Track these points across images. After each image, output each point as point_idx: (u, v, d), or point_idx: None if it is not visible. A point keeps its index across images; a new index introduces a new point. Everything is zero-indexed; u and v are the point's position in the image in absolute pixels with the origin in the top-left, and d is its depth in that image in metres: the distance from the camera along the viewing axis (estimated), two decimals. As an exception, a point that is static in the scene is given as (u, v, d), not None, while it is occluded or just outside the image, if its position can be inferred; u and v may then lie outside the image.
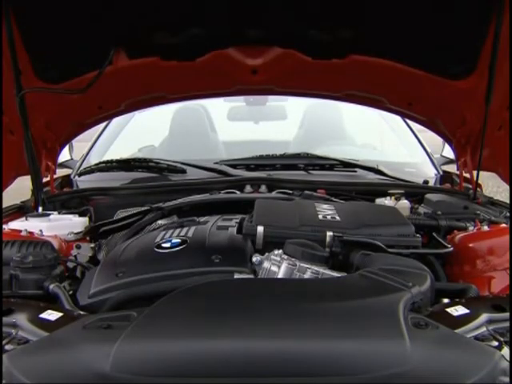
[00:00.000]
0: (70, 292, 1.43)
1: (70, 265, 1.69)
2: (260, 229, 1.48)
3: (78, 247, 1.76)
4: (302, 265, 1.30)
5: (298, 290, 1.13)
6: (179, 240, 1.49)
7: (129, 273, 1.37)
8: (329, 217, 1.61)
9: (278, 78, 2.20)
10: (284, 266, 1.30)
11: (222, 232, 1.56)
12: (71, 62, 2.05)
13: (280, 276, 1.30)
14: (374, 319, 1.02)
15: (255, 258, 1.35)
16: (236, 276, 1.26)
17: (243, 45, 2.06)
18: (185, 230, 1.59)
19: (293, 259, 1.33)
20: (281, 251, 1.37)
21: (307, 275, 1.29)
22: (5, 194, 2.06)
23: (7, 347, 1.01)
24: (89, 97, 2.07)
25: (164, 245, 1.48)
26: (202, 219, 1.75)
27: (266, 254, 1.37)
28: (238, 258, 1.39)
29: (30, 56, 1.97)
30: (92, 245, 1.80)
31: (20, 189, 2.37)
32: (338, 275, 1.31)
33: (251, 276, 1.29)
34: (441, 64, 2.06)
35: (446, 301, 1.35)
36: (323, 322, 1.00)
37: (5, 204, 2.02)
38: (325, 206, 1.74)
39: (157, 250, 1.47)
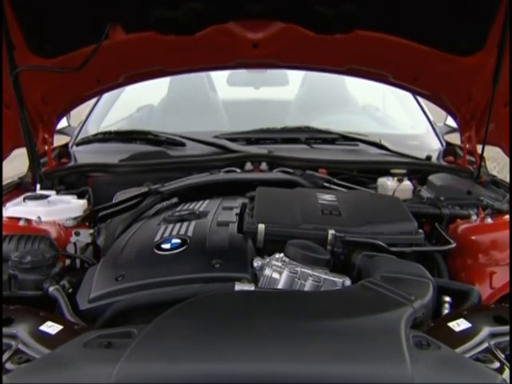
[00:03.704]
0: (70, 290, 1.42)
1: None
2: (261, 227, 1.46)
3: (77, 234, 1.73)
4: (303, 271, 1.29)
5: (298, 307, 1.12)
6: (179, 240, 1.47)
7: (128, 277, 1.35)
8: (331, 210, 1.58)
9: (280, 53, 2.14)
10: (285, 273, 1.28)
11: (222, 230, 1.54)
12: (66, 37, 2.00)
13: (281, 284, 1.29)
14: (375, 339, 1.01)
15: (256, 263, 1.33)
16: (237, 286, 1.24)
17: (244, 19, 1.99)
18: (185, 225, 1.57)
19: (294, 263, 1.32)
20: (282, 255, 1.35)
21: (308, 283, 1.27)
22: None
23: (7, 366, 1.01)
24: (86, 70, 2.01)
25: (164, 246, 1.45)
26: (202, 208, 1.73)
27: (267, 259, 1.35)
28: (238, 263, 1.37)
29: (24, 30, 1.91)
30: (91, 231, 1.78)
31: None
32: (340, 280, 1.29)
33: (252, 285, 1.27)
34: (449, 40, 2.00)
35: (447, 306, 1.35)
36: (324, 343, 0.99)
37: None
38: (327, 197, 1.71)
39: (156, 251, 1.44)
